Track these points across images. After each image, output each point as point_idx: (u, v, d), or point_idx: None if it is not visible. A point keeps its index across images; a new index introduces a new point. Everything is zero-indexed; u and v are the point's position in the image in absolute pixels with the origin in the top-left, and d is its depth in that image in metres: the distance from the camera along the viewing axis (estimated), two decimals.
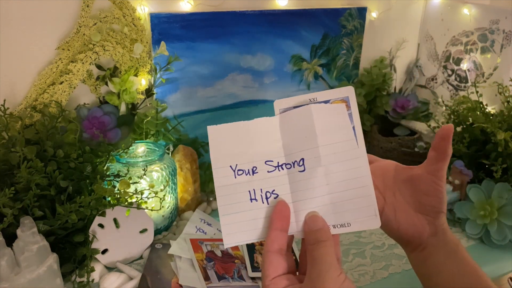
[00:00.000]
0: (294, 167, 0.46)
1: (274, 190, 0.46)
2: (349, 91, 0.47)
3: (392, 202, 0.54)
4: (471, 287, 0.53)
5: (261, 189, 0.46)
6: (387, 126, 1.16)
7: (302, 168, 0.46)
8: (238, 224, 0.45)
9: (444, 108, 1.01)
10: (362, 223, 0.46)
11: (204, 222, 0.86)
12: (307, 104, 0.46)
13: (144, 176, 0.77)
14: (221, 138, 0.46)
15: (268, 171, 0.46)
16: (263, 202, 0.46)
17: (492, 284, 0.54)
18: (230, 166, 0.46)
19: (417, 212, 0.55)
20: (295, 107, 0.47)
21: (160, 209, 0.78)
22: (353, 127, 0.47)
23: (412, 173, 0.55)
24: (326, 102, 0.47)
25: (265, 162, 0.46)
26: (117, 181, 0.76)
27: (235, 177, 0.46)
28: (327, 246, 0.43)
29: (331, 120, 0.46)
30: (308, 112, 0.46)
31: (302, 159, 0.46)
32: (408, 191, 0.55)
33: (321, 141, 0.46)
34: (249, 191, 0.46)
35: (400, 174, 0.56)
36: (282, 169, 0.46)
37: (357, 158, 0.46)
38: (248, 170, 0.46)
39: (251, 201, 0.46)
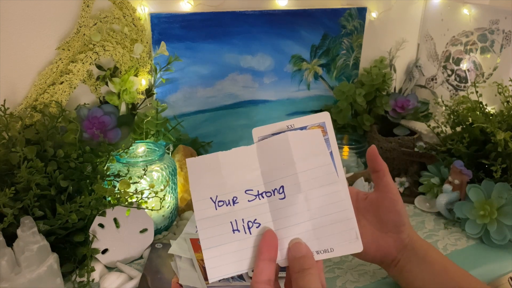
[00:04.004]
0: (274, 194, 0.46)
1: (256, 219, 0.46)
2: (325, 117, 0.47)
3: None
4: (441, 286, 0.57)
5: (242, 219, 0.45)
6: (387, 126, 1.16)
7: (282, 195, 0.46)
8: (222, 257, 0.45)
9: (444, 108, 1.01)
10: (345, 247, 0.46)
11: None
12: (284, 132, 0.46)
13: (144, 176, 0.77)
14: (201, 170, 0.46)
15: (248, 201, 0.46)
16: (245, 233, 0.45)
17: (470, 277, 0.58)
18: (211, 198, 0.46)
19: (382, 233, 0.60)
20: (273, 135, 0.47)
21: (160, 209, 0.79)
22: (331, 152, 0.47)
23: (370, 197, 0.61)
24: (303, 128, 0.47)
25: (245, 191, 0.46)
26: (117, 181, 0.76)
27: (216, 209, 0.45)
28: (311, 274, 0.43)
29: (308, 146, 0.46)
30: (285, 139, 0.46)
31: (282, 186, 0.46)
32: (370, 215, 0.60)
33: (299, 168, 0.46)
34: (230, 222, 0.45)
35: (361, 201, 0.61)
36: (263, 197, 0.46)
37: (336, 182, 0.46)
38: (229, 200, 0.46)
39: (234, 232, 0.45)
